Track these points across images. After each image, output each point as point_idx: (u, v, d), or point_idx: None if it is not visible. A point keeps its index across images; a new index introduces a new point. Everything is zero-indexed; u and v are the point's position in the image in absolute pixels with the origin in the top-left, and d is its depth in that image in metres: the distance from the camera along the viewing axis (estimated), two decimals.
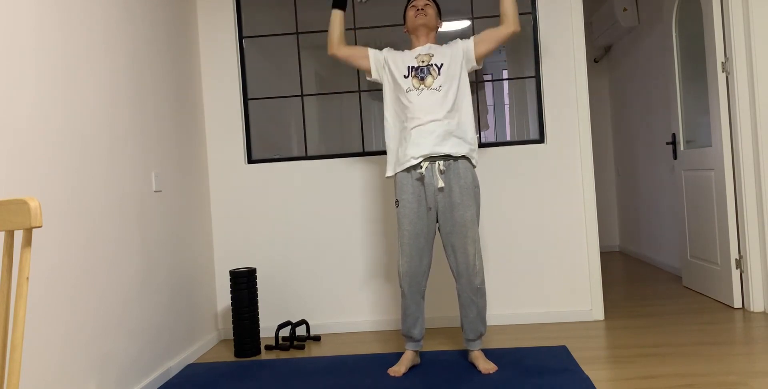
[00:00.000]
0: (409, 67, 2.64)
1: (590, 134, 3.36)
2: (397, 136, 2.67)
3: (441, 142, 2.57)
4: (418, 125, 2.58)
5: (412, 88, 2.61)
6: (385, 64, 2.72)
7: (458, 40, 2.71)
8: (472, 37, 2.69)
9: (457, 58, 2.64)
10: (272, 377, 2.68)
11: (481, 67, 2.75)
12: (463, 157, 2.60)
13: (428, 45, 2.70)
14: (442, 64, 2.61)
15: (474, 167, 2.64)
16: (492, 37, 2.66)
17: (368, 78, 2.78)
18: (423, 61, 2.63)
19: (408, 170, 2.62)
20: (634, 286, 4.29)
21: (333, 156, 3.47)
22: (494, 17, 3.46)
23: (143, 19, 2.79)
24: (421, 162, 2.59)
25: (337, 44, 2.77)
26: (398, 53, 2.72)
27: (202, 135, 3.43)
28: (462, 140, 2.60)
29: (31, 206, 1.19)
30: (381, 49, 2.78)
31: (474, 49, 2.66)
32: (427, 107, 2.57)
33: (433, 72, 2.61)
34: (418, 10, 2.69)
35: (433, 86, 2.59)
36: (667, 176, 4.73)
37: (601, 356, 2.71)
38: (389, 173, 2.69)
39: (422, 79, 2.61)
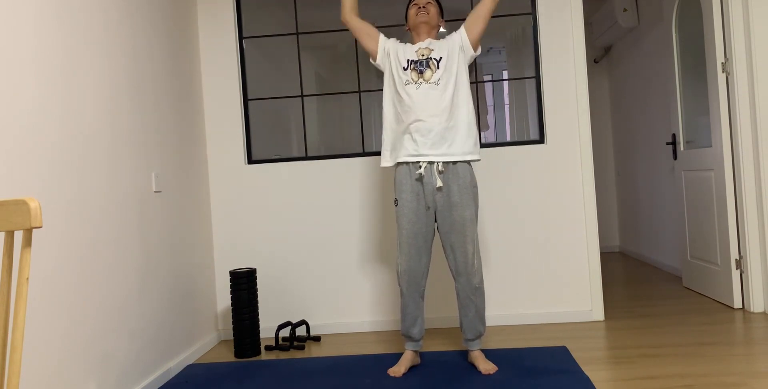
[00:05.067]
0: (408, 60, 2.64)
1: (590, 134, 3.36)
2: (395, 129, 2.66)
3: (439, 141, 2.56)
4: (417, 121, 2.57)
5: (410, 81, 2.61)
6: (389, 52, 2.72)
7: (453, 33, 2.72)
8: (462, 26, 2.69)
9: (453, 51, 2.64)
10: (272, 377, 2.68)
11: (479, 54, 2.73)
12: (462, 161, 2.61)
13: (429, 40, 2.71)
14: (440, 58, 2.61)
15: (477, 160, 2.64)
16: (478, 15, 2.65)
17: (371, 61, 2.77)
18: (423, 55, 2.64)
19: (407, 164, 2.62)
20: (634, 286, 4.29)
21: (333, 156, 3.46)
22: (496, 17, 3.46)
23: (143, 20, 2.79)
24: (419, 162, 2.59)
25: (349, 11, 2.75)
26: (401, 45, 2.72)
27: (202, 135, 3.43)
28: (461, 138, 2.59)
29: (31, 207, 1.19)
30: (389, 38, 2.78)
31: (467, 35, 2.66)
32: (425, 102, 2.57)
33: (432, 65, 2.61)
34: (419, 8, 2.69)
35: (431, 80, 2.59)
36: (667, 176, 4.73)
37: (601, 356, 2.71)
38: (386, 163, 2.68)
39: (421, 72, 2.61)
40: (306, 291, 3.47)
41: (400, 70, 2.64)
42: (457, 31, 2.69)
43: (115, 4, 2.54)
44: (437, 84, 2.59)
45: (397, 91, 2.65)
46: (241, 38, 3.51)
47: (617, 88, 5.83)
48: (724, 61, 3.42)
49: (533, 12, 3.40)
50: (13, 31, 1.90)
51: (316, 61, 3.52)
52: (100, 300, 2.29)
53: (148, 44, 2.83)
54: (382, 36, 2.75)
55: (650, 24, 4.83)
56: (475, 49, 2.68)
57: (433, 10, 2.71)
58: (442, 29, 2.85)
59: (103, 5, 2.44)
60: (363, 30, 2.75)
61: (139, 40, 2.74)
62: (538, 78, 3.41)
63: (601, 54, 6.12)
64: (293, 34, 3.52)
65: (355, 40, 3.51)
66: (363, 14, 3.48)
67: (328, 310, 3.46)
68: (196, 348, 3.10)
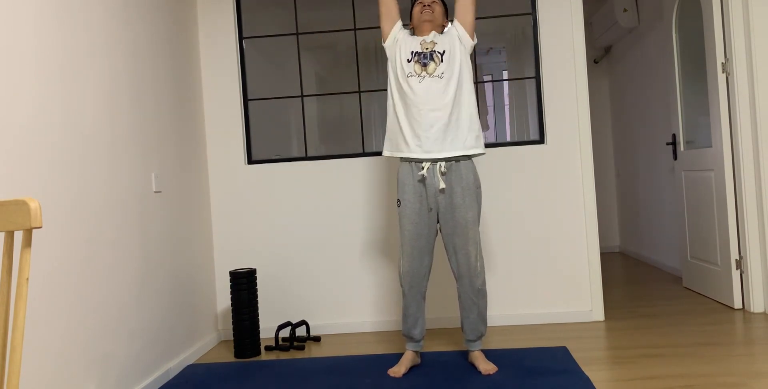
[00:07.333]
0: (413, 52, 2.63)
1: (590, 134, 3.36)
2: (396, 120, 2.64)
3: (441, 136, 2.55)
4: (419, 115, 2.55)
5: (413, 73, 2.60)
6: (398, 41, 2.70)
7: (449, 27, 2.71)
8: (454, 18, 2.67)
9: (454, 45, 2.62)
10: (272, 378, 2.68)
11: (476, 42, 2.70)
12: (465, 156, 2.60)
13: (433, 33, 2.69)
14: (444, 51, 2.61)
15: (482, 154, 2.62)
16: (464, 4, 2.63)
17: (382, 43, 2.75)
18: (427, 48, 2.63)
19: (409, 162, 2.62)
20: (634, 287, 4.29)
21: (333, 157, 3.46)
22: (496, 18, 3.47)
23: (143, 20, 2.79)
24: (422, 161, 2.58)
25: None
26: (408, 36, 2.71)
27: (202, 135, 3.43)
28: (463, 133, 2.57)
29: (31, 207, 1.19)
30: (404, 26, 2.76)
31: (462, 24, 2.64)
32: (427, 95, 2.55)
33: (435, 58, 2.59)
34: (424, 6, 2.67)
35: (435, 74, 2.58)
36: (667, 176, 4.73)
37: (601, 357, 2.71)
38: (386, 152, 2.68)
39: (425, 65, 2.60)
40: (306, 291, 3.47)
41: (404, 62, 2.63)
42: (452, 25, 2.68)
43: (115, 4, 2.54)
44: (441, 78, 2.57)
45: (399, 84, 2.63)
46: (241, 38, 3.51)
47: (617, 88, 5.83)
48: (724, 61, 3.42)
49: (533, 12, 3.40)
50: (13, 31, 1.90)
51: (316, 61, 3.52)
52: (100, 300, 2.29)
53: (148, 44, 2.83)
54: (399, 23, 2.72)
55: (650, 24, 4.83)
56: (472, 38, 2.65)
57: (438, 9, 2.69)
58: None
59: (103, 5, 2.44)
60: (387, 10, 2.69)
61: (139, 41, 2.74)
62: (538, 78, 3.41)
63: (601, 54, 6.12)
64: (293, 34, 3.51)
65: (356, 42, 3.51)
66: (366, 12, 3.49)
67: (328, 310, 3.46)
68: (196, 348, 3.10)
